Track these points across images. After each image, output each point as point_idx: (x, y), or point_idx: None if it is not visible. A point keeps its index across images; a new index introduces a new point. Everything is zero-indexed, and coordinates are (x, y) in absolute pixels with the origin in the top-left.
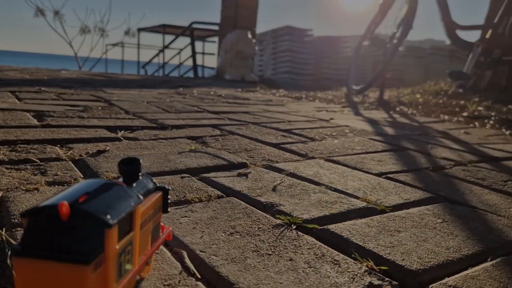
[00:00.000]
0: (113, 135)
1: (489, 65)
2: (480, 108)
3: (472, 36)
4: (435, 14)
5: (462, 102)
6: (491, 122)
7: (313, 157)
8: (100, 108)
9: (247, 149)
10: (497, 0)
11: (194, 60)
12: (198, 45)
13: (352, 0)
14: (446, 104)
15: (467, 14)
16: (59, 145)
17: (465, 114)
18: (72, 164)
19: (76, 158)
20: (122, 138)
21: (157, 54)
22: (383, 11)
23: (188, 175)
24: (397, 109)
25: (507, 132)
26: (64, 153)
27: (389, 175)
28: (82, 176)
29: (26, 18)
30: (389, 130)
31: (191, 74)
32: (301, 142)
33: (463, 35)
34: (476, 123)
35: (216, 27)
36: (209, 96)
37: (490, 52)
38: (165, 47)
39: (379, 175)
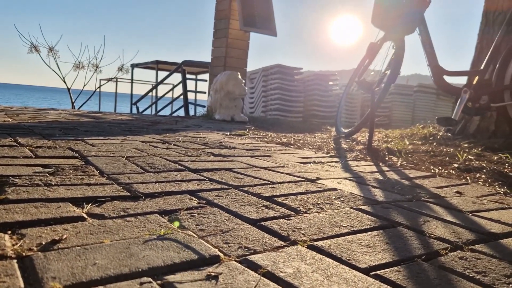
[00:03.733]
0: (77, 211)
1: (477, 111)
2: (470, 157)
3: (459, 80)
4: (422, 50)
5: (451, 149)
6: (483, 176)
7: (295, 242)
8: (73, 169)
9: (223, 230)
10: (482, 47)
11: (186, 99)
12: (191, 83)
13: (342, 36)
14: (436, 152)
15: (454, 59)
16: (10, 232)
17: (455, 165)
18: (16, 265)
19: (24, 254)
20: (86, 217)
21: (150, 91)
22: (371, 54)
23: (149, 279)
24: (386, 158)
25: (501, 190)
26: (13, 245)
27: (378, 272)
28: (22, 286)
29: (22, 53)
30: (379, 194)
31: (183, 111)
32: (284, 216)
33: (450, 79)
34: (468, 177)
35: (207, 66)
36: (194, 144)
37: (477, 98)
38: (158, 83)
39: (368, 271)
